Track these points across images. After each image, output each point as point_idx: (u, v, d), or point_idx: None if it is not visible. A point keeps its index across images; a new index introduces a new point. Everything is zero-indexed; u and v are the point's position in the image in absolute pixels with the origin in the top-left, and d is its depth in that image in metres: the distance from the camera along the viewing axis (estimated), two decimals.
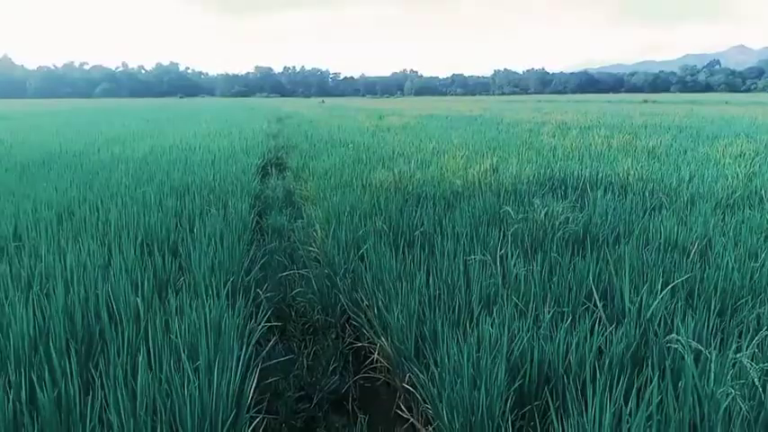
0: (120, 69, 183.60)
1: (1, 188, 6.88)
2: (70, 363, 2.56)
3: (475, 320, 3.16)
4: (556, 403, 2.50)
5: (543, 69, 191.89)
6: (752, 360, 2.29)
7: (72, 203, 5.97)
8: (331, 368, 3.64)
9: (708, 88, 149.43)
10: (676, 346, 2.40)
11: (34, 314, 3.04)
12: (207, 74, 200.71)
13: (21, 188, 6.91)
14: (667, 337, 2.55)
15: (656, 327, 2.95)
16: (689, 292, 3.46)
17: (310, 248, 5.44)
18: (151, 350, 2.82)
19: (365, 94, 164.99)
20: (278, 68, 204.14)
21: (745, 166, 8.06)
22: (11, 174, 8.20)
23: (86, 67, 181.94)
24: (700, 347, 2.33)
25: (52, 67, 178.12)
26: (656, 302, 3.07)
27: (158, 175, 7.83)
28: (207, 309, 3.20)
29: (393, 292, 3.62)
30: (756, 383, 2.09)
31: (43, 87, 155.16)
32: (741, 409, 2.00)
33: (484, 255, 3.92)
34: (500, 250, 4.08)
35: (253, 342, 3.29)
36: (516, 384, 2.65)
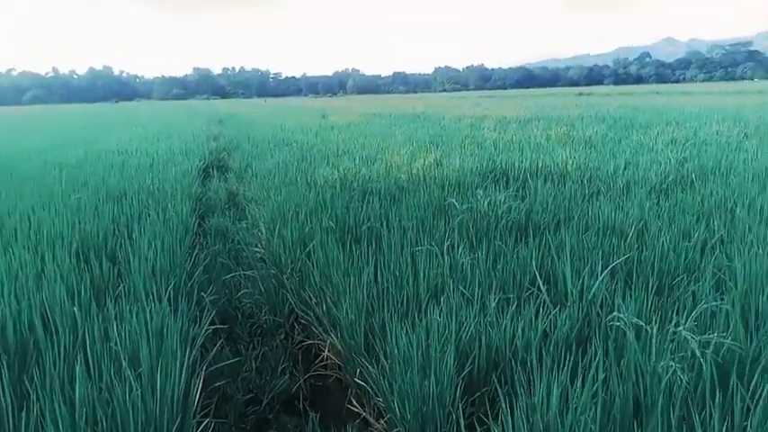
0: (51, 75, 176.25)
1: None
2: (1, 377, 2.43)
3: (423, 311, 3.17)
4: (504, 388, 2.53)
5: (483, 66, 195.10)
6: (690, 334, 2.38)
7: (0, 213, 5.68)
8: (280, 368, 3.58)
9: (639, 80, 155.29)
10: (618, 324, 2.47)
11: None
12: (143, 77, 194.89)
13: None
14: (609, 316, 2.61)
15: (598, 308, 3.03)
16: (628, 273, 3.57)
17: (256, 249, 5.35)
18: (90, 359, 2.70)
19: (307, 94, 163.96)
20: (217, 70, 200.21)
21: (677, 152, 8.41)
22: None
23: (14, 74, 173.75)
24: (640, 323, 2.41)
25: None
26: (596, 284, 3.15)
27: (93, 181, 7.55)
28: (147, 314, 3.10)
29: (341, 288, 3.59)
30: (697, 354, 2.17)
31: None
32: (682, 381, 2.06)
33: (431, 246, 3.93)
34: (446, 241, 4.11)
35: (197, 346, 3.21)
36: (466, 371, 2.67)
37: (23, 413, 2.30)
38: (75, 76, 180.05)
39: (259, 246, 5.42)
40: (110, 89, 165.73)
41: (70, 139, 15.89)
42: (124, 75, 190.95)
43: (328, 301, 3.65)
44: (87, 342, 2.85)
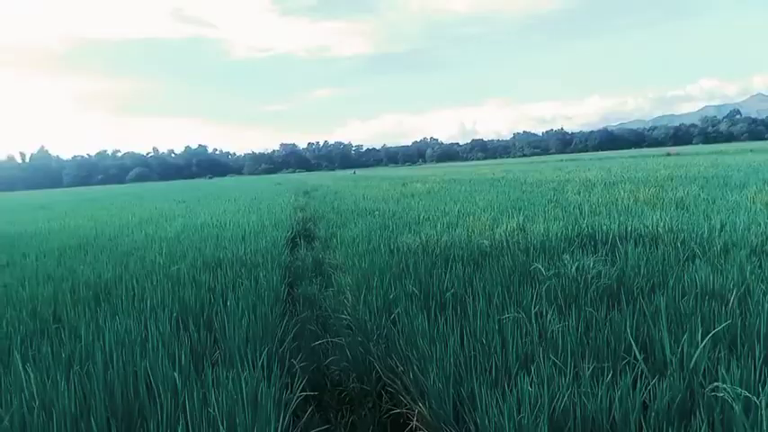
0: (151, 155, 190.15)
1: (40, 273, 7.08)
2: None
3: (513, 380, 3.11)
4: None
5: (563, 129, 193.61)
6: None
7: (108, 283, 6.11)
8: None
9: (730, 138, 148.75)
10: (722, 394, 2.33)
11: (75, 392, 3.08)
12: (234, 154, 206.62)
13: (59, 272, 7.11)
14: (711, 386, 2.47)
15: (700, 378, 2.87)
16: (731, 340, 3.37)
17: (342, 316, 5.44)
18: (189, 424, 2.82)
19: (388, 164, 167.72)
20: (302, 144, 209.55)
21: None
22: (49, 258, 8.46)
23: (119, 155, 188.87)
24: (747, 395, 2.26)
25: (86, 156, 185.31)
26: (698, 352, 3.00)
27: (191, 252, 8.00)
28: (243, 380, 3.21)
29: (428, 356, 3.59)
30: None
31: (78, 176, 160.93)
32: None
33: (518, 313, 3.88)
34: (534, 308, 4.04)
35: (290, 413, 3.28)
36: None
37: None
38: (173, 155, 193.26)
39: (345, 313, 5.52)
40: (204, 166, 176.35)
41: (169, 214, 16.96)
42: (217, 152, 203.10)
43: (415, 368, 3.65)
44: (187, 407, 2.99)
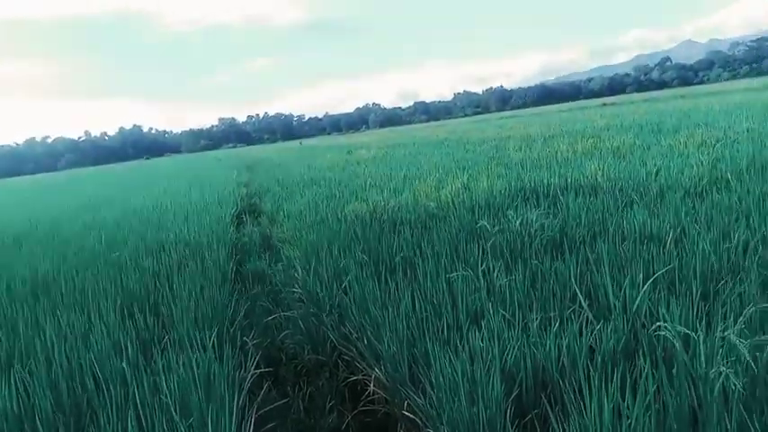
0: (83, 138, 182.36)
1: None
2: None
3: (465, 337, 3.16)
4: (555, 408, 2.49)
5: (502, 87, 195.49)
6: (740, 337, 2.32)
7: (47, 277, 5.86)
8: (328, 407, 3.58)
9: (663, 85, 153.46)
10: (664, 333, 2.42)
11: (17, 392, 2.95)
12: (171, 132, 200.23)
13: None
14: (653, 326, 2.57)
15: (643, 319, 2.97)
16: (670, 281, 3.50)
17: (293, 289, 5.39)
18: (140, 413, 2.75)
19: (331, 132, 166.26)
20: (241, 118, 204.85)
21: (708, 154, 8.26)
22: None
23: (49, 141, 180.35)
24: (686, 331, 2.36)
25: (14, 145, 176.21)
26: (639, 295, 3.10)
27: (132, 238, 7.75)
28: (194, 363, 3.15)
29: (380, 321, 3.60)
30: (747, 358, 2.11)
31: (6, 167, 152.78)
32: (736, 386, 2.01)
33: (466, 271, 3.93)
34: (481, 265, 4.09)
35: (245, 391, 3.24)
36: (514, 395, 2.63)
37: None
38: (107, 138, 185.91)
39: (296, 286, 5.47)
40: (140, 147, 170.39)
41: (106, 199, 16.37)
42: (153, 132, 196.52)
43: (369, 334, 3.66)
44: (137, 395, 2.91)
